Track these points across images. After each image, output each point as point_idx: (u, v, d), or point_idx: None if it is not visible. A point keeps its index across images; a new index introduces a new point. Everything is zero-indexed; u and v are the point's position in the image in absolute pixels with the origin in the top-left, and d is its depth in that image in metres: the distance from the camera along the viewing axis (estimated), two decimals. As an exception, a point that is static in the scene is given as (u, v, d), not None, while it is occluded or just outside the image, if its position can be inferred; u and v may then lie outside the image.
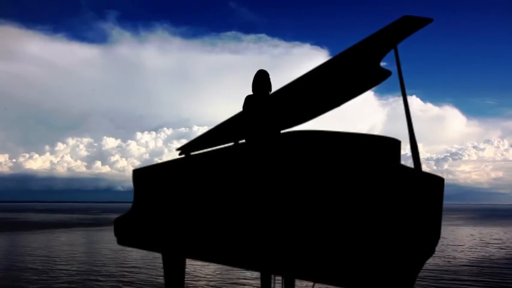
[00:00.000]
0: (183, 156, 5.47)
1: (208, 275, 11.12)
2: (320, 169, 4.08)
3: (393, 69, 4.42)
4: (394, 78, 4.69)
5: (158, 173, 5.08)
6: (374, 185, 3.89)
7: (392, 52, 4.36)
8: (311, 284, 4.82)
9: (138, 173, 5.23)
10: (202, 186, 4.65)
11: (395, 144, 4.04)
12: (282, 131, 5.17)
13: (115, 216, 5.51)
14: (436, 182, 4.11)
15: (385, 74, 4.52)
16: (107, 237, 22.53)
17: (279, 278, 5.82)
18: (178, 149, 5.75)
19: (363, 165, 3.98)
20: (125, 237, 5.18)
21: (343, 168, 4.01)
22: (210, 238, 4.44)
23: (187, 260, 5.20)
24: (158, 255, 5.27)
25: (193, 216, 4.59)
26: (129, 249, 17.65)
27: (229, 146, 5.17)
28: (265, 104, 4.97)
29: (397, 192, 3.89)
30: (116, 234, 5.22)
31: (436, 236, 4.15)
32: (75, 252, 16.48)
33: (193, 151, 5.64)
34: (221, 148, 5.15)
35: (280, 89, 5.00)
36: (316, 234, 3.93)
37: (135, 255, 14.81)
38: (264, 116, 4.88)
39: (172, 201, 4.82)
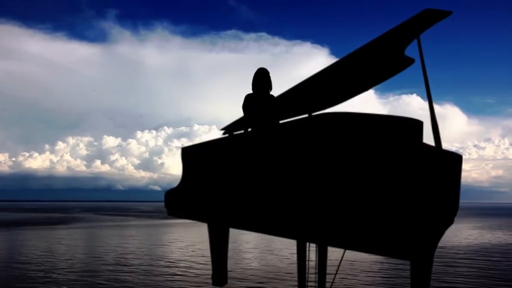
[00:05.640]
0: (226, 135, 5.98)
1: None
2: (351, 146, 4.49)
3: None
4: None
5: (205, 150, 5.51)
6: (400, 160, 4.32)
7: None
8: (342, 251, 5.31)
9: (186, 150, 5.70)
10: (244, 161, 5.06)
11: (418, 124, 4.44)
12: (316, 113, 5.57)
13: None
14: (454, 159, 4.51)
15: (408, 61, 4.89)
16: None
17: (313, 245, 6.39)
18: (222, 129, 6.29)
19: (390, 142, 4.40)
20: (174, 209, 5.65)
21: (372, 145, 4.43)
22: (252, 209, 4.87)
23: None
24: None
25: (236, 189, 5.02)
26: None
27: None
28: (266, 102, 5.22)
29: (420, 167, 4.31)
30: (166, 206, 5.70)
31: (454, 207, 4.56)
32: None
33: (235, 131, 6.15)
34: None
35: (315, 74, 5.37)
36: (347, 205, 4.37)
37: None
38: (266, 113, 5.17)
39: (217, 176, 5.23)
